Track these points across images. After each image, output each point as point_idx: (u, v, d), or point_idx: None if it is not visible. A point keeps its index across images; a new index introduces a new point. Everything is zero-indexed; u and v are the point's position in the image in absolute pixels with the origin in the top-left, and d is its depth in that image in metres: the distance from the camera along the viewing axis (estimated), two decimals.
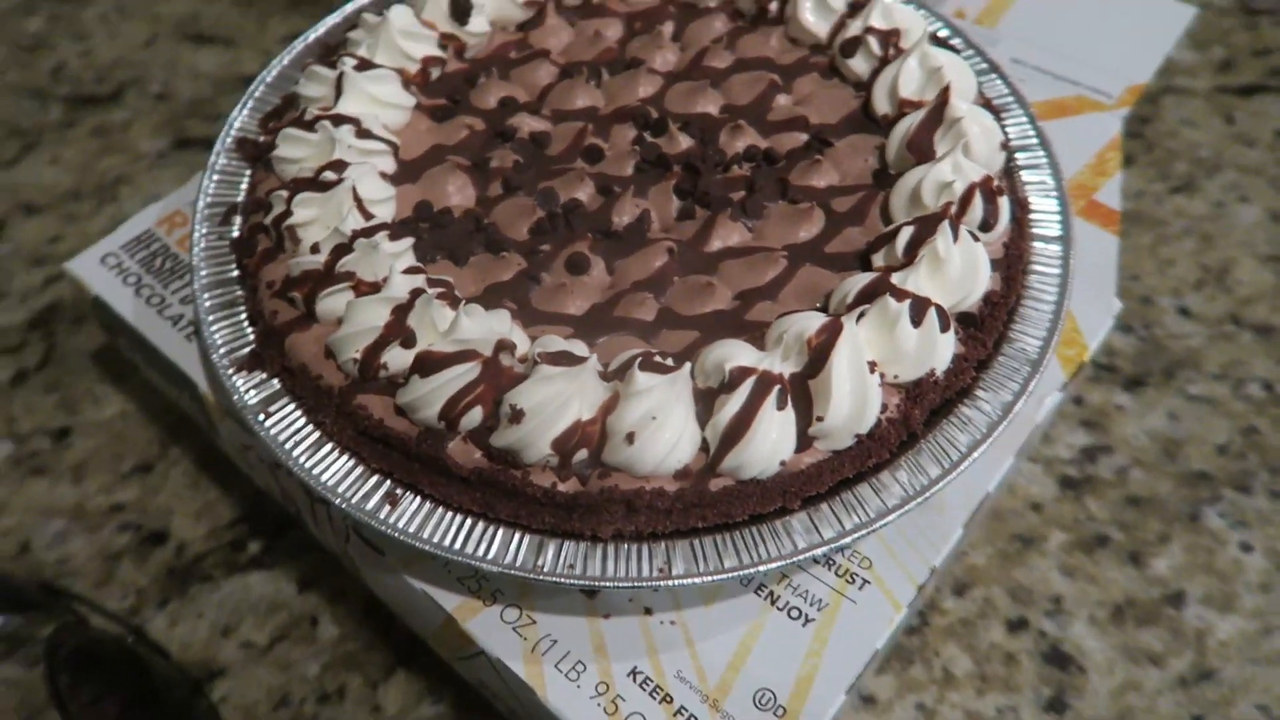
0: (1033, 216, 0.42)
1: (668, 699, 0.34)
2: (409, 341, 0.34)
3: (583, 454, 0.33)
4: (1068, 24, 0.52)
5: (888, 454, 0.35)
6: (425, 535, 0.34)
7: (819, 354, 0.34)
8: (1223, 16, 0.68)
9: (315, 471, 0.35)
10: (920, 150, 0.40)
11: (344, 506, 0.34)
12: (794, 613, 0.36)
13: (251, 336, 0.38)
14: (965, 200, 0.38)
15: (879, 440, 0.35)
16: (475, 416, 0.34)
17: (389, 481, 0.35)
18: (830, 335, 0.34)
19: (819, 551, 0.33)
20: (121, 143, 0.60)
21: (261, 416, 0.36)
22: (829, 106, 0.44)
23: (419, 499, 0.35)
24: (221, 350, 0.38)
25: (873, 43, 0.44)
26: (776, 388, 0.33)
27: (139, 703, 0.39)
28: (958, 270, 0.36)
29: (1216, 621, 0.44)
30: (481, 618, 0.35)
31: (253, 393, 0.37)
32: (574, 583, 0.33)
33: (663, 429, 0.33)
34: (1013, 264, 0.39)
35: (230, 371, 0.37)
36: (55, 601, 0.43)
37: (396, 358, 0.34)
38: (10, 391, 0.52)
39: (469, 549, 0.34)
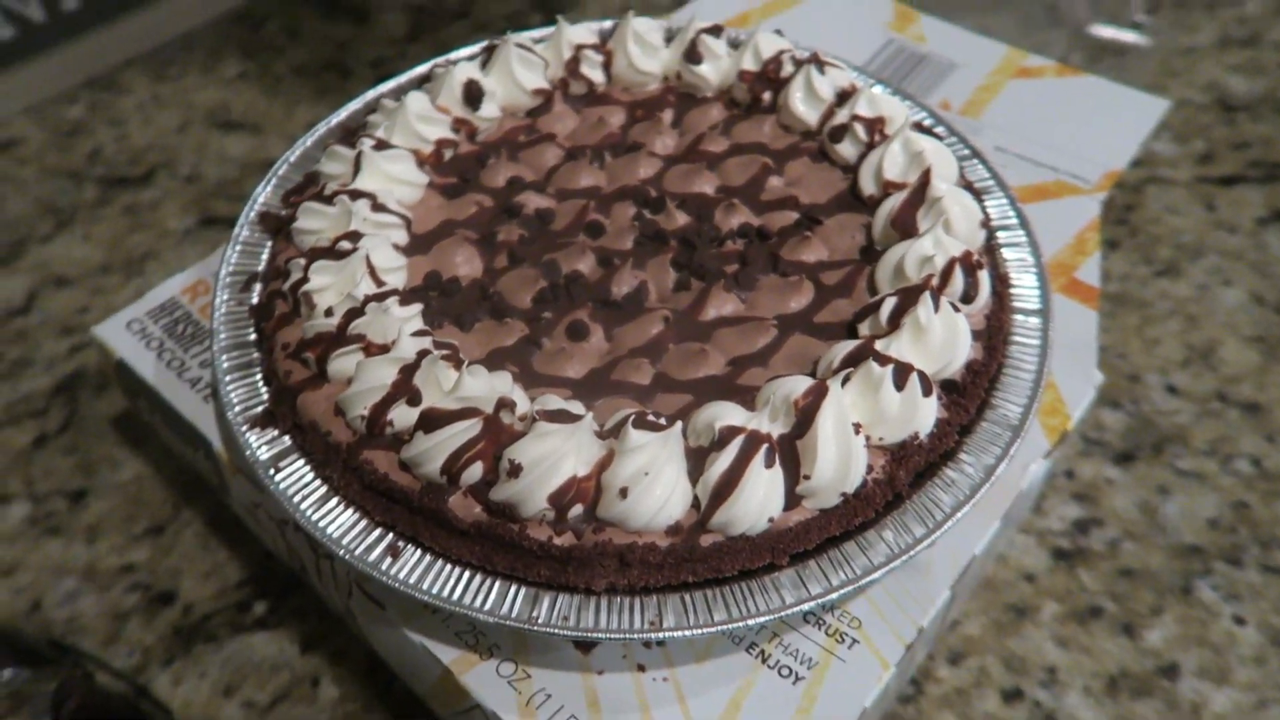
0: (1013, 291, 0.43)
1: None
2: (414, 399, 0.36)
3: (578, 509, 0.35)
4: (1048, 115, 0.54)
5: (874, 513, 0.36)
6: (425, 587, 0.35)
7: (805, 415, 0.35)
8: (1202, 112, 0.71)
9: (321, 524, 0.36)
10: (904, 227, 0.42)
11: (347, 558, 0.36)
12: (784, 671, 0.36)
13: (266, 396, 0.40)
14: (946, 273, 0.40)
15: (865, 500, 0.36)
16: (476, 471, 0.35)
17: (391, 535, 0.36)
18: (816, 397, 0.35)
19: (807, 607, 0.34)
20: (150, 221, 0.63)
21: (272, 471, 0.38)
22: (819, 187, 0.47)
23: (420, 552, 0.36)
24: (237, 409, 0.40)
25: (859, 129, 0.46)
26: (764, 446, 0.34)
27: None
28: (939, 338, 0.38)
29: (1211, 694, 0.44)
30: (477, 671, 0.36)
31: (265, 449, 0.38)
32: (567, 634, 0.34)
33: (655, 485, 0.34)
34: (994, 334, 0.41)
35: (244, 428, 0.39)
36: (63, 657, 0.44)
37: (402, 415, 0.36)
38: (31, 454, 0.53)
39: (466, 600, 0.35)
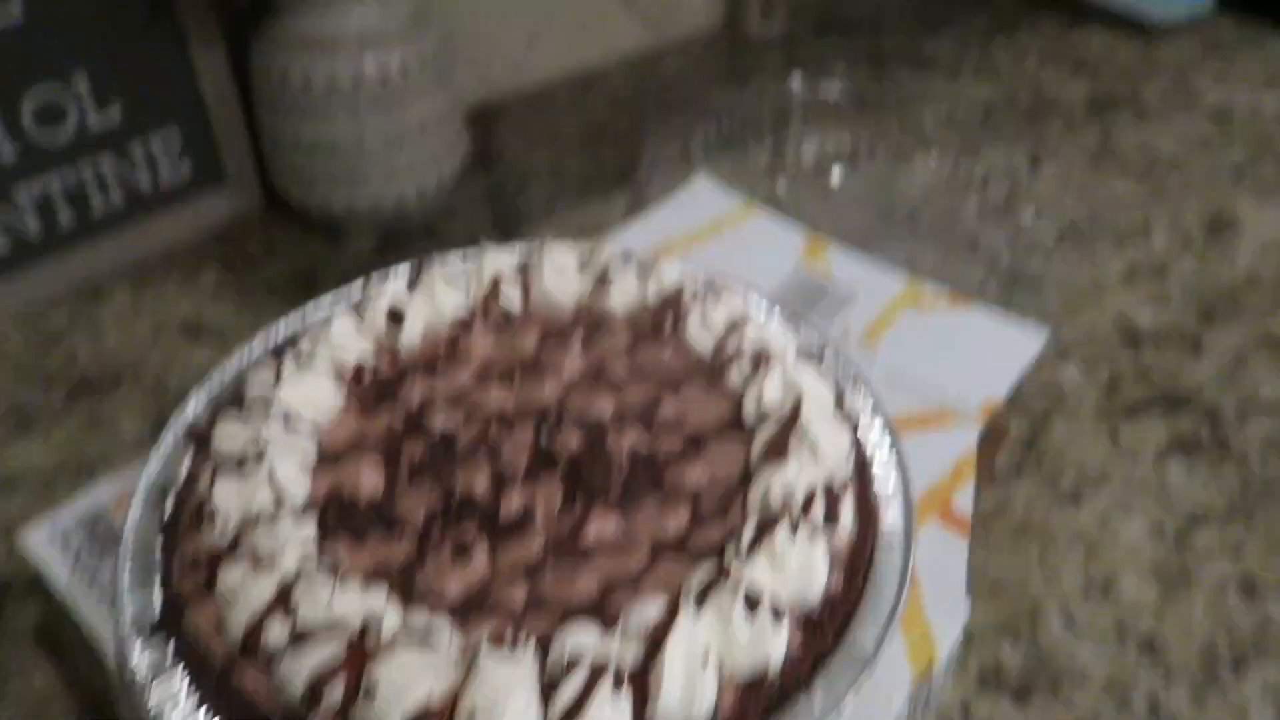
0: (883, 521, 0.46)
1: None
2: (291, 614, 0.38)
3: None
4: (936, 345, 0.58)
5: None
6: None
7: (654, 641, 0.37)
8: (1108, 344, 0.75)
9: None
10: (777, 454, 0.45)
11: None
12: None
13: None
14: (808, 501, 0.43)
15: None
16: (337, 692, 0.36)
17: None
18: (665, 622, 0.37)
19: None
20: (109, 428, 0.67)
21: (151, 681, 0.39)
22: (707, 412, 0.50)
23: None
24: (129, 618, 0.42)
25: (744, 360, 0.50)
26: (611, 672, 0.36)
27: None
28: (795, 566, 0.40)
29: None
30: None
31: (147, 659, 0.40)
32: None
33: (503, 712, 0.35)
34: (855, 565, 0.43)
35: (134, 638, 0.41)
36: None
37: (275, 632, 0.38)
38: None
39: None
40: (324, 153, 0.81)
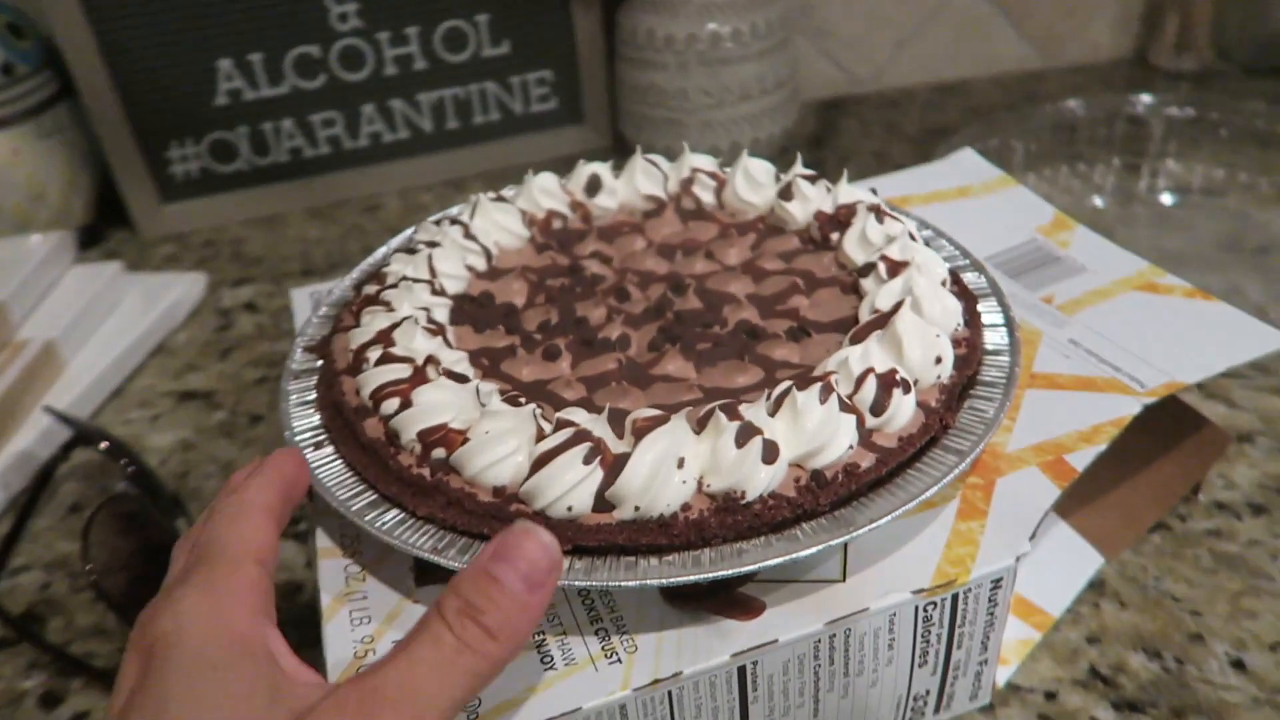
0: (953, 431, 0.43)
1: None
2: (389, 345, 0.46)
3: (440, 451, 0.42)
4: (1143, 325, 0.51)
5: (670, 545, 0.38)
6: (325, 482, 0.44)
7: (638, 435, 0.39)
8: None
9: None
10: (855, 340, 0.44)
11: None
12: (547, 657, 0.39)
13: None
14: (859, 380, 0.42)
15: (665, 528, 0.38)
16: (393, 404, 0.44)
17: (327, 434, 0.46)
18: (653, 422, 0.39)
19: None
20: None
21: (294, 375, 0.50)
22: (830, 311, 0.50)
23: (338, 459, 0.45)
24: (305, 338, 0.53)
25: (881, 268, 0.49)
26: (589, 444, 0.39)
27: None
28: (813, 425, 0.40)
29: None
30: (332, 563, 0.43)
31: (303, 363, 0.51)
32: (376, 533, 0.40)
33: (491, 444, 0.40)
34: (895, 454, 0.41)
35: (299, 350, 0.52)
36: None
37: (374, 354, 0.46)
38: None
39: (351, 503, 0.43)
40: (655, 98, 0.91)
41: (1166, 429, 0.55)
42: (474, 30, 0.95)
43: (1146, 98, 0.87)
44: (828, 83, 1.11)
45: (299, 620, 0.53)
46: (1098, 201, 0.85)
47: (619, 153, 1.00)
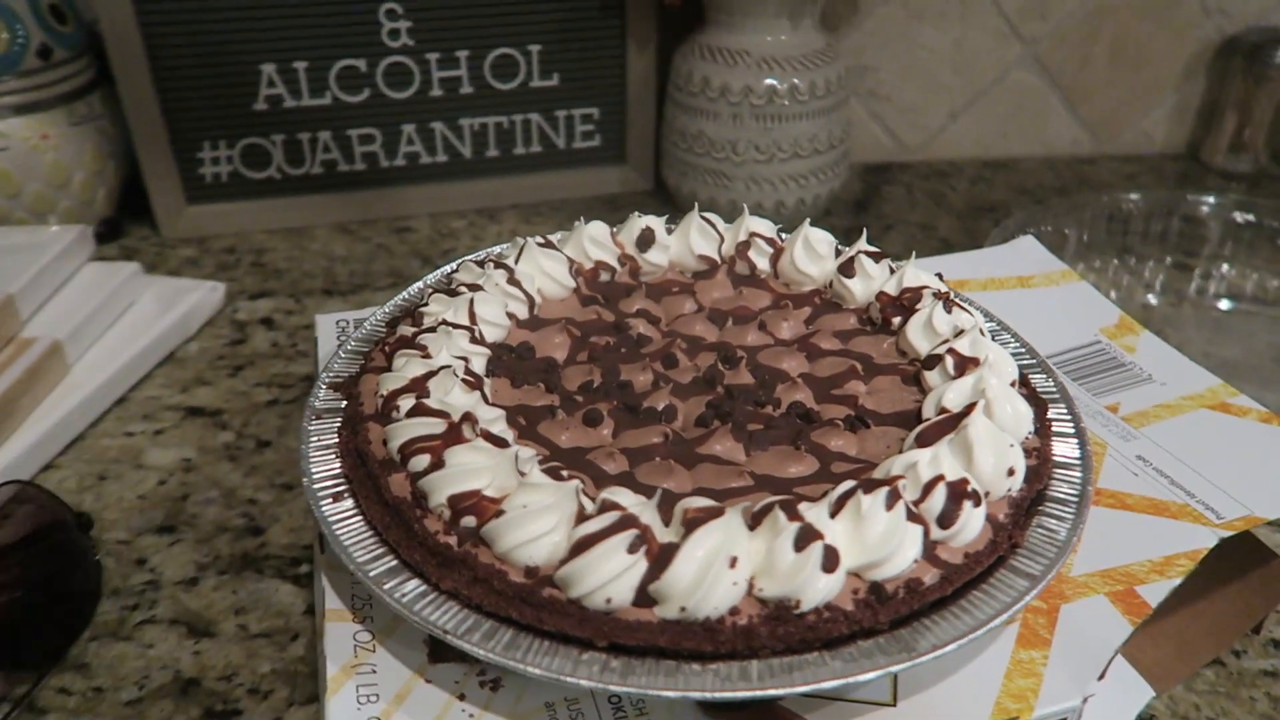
0: (1021, 551, 0.40)
1: None
2: (421, 395, 0.43)
3: (469, 520, 0.39)
4: (1218, 449, 0.49)
5: (715, 652, 0.35)
6: (342, 538, 0.41)
7: (689, 526, 0.36)
8: None
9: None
10: (924, 442, 0.41)
11: (308, 491, 0.43)
12: None
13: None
14: (928, 487, 0.39)
15: (710, 632, 0.35)
16: (422, 461, 0.41)
17: (348, 486, 0.43)
18: (706, 514, 0.36)
19: (575, 681, 0.34)
20: None
21: (315, 414, 0.47)
22: (889, 401, 0.47)
23: (358, 513, 0.42)
24: (330, 374, 0.50)
25: (949, 362, 0.46)
26: (635, 532, 0.36)
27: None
28: (877, 534, 0.37)
29: None
30: (341, 627, 0.40)
31: (326, 402, 0.48)
32: (392, 603, 0.37)
33: (527, 520, 0.37)
34: (962, 572, 0.38)
35: (322, 387, 0.49)
36: None
37: (404, 403, 0.43)
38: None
39: (369, 568, 0.39)
40: (702, 147, 0.89)
41: (1230, 560, 0.52)
42: (525, 60, 0.93)
43: (1208, 198, 0.85)
44: (875, 147, 1.09)
45: (290, 674, 0.49)
46: (1150, 299, 0.82)
47: (659, 198, 0.98)
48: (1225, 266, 0.84)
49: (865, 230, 0.58)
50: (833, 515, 0.37)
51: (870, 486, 0.38)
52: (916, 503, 0.39)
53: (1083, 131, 1.12)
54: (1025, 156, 1.12)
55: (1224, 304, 0.81)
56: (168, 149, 0.88)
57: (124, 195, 0.93)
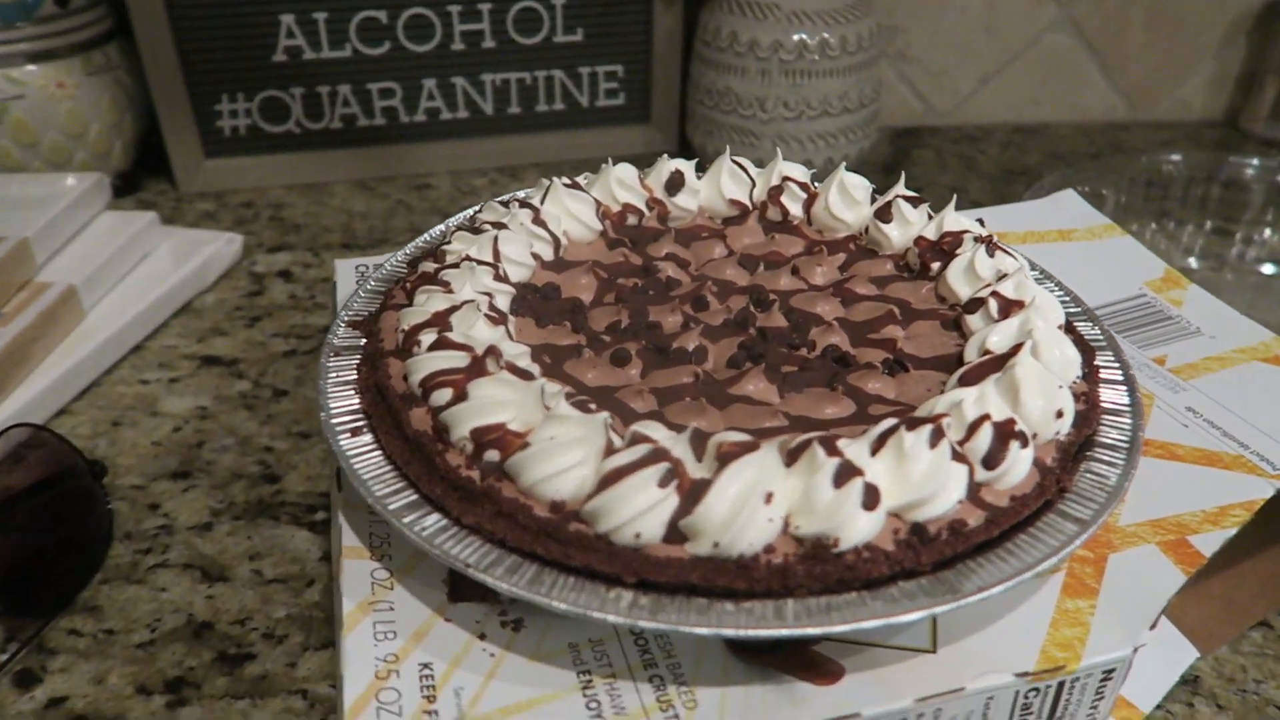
0: (1070, 495, 0.38)
1: (431, 698, 0.34)
2: (444, 328, 0.42)
3: (493, 454, 0.37)
4: (1263, 401, 0.46)
5: (748, 590, 0.34)
6: (359, 472, 0.39)
7: (723, 460, 0.34)
8: None
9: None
10: (967, 382, 0.40)
11: (328, 435, 0.41)
12: (593, 703, 0.34)
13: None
14: (973, 427, 0.37)
15: (744, 569, 0.33)
16: (444, 395, 0.39)
17: (367, 422, 0.42)
18: (741, 448, 0.35)
19: (603, 617, 0.32)
20: None
21: (334, 350, 0.45)
22: (929, 345, 0.45)
23: (376, 446, 0.41)
24: (351, 311, 0.48)
25: (993, 305, 0.45)
26: (666, 465, 0.34)
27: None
28: (920, 472, 0.35)
29: None
30: (358, 564, 0.39)
31: (345, 340, 0.46)
32: (411, 536, 0.36)
33: (555, 453, 0.35)
34: (1007, 515, 0.36)
35: (341, 325, 0.47)
36: None
37: (427, 337, 0.42)
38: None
39: (389, 502, 0.38)
40: (729, 104, 0.87)
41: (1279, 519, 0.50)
42: (549, 14, 0.91)
43: (1252, 160, 0.82)
44: (905, 111, 1.07)
45: (305, 620, 0.48)
46: (1191, 263, 0.80)
47: (684, 158, 0.96)
48: (1268, 232, 0.82)
49: (903, 175, 0.56)
50: (873, 452, 0.36)
51: (913, 424, 0.36)
52: (961, 442, 0.37)
53: (1118, 98, 1.09)
54: (1057, 122, 1.09)
55: (1267, 268, 0.79)
56: (185, 101, 0.86)
57: (141, 149, 0.92)
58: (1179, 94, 1.10)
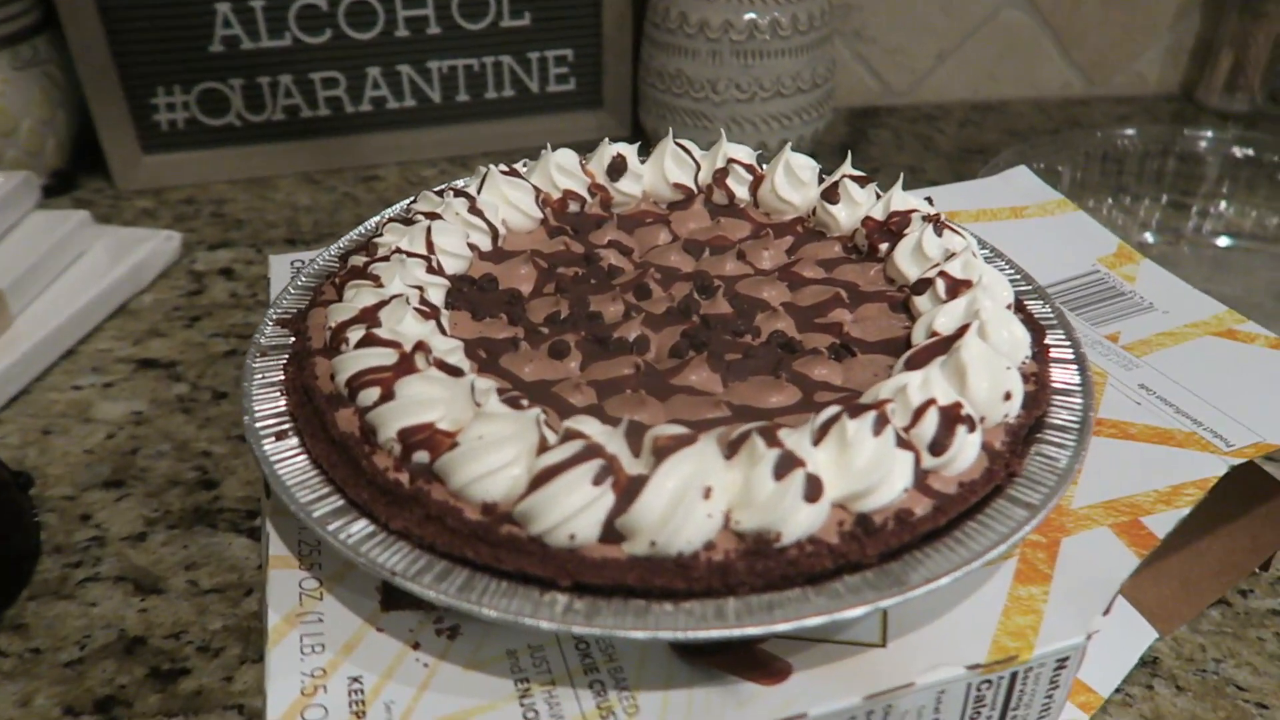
0: (1020, 480, 0.37)
1: (360, 714, 0.32)
2: (372, 325, 0.40)
3: (422, 455, 0.35)
4: (1226, 377, 0.46)
5: (688, 590, 0.32)
6: (282, 477, 0.37)
7: (659, 455, 0.33)
8: None
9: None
10: (913, 365, 0.39)
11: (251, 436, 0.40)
12: (530, 713, 0.32)
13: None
14: (918, 412, 0.36)
15: (683, 569, 0.32)
16: (372, 394, 0.37)
17: (292, 425, 0.40)
18: (678, 441, 0.33)
19: (535, 624, 0.31)
20: None
21: (260, 351, 0.43)
22: (876, 329, 0.44)
23: (302, 450, 0.39)
24: (280, 309, 0.46)
25: (940, 285, 0.43)
26: (600, 462, 0.33)
27: None
28: (864, 461, 0.34)
29: None
30: (285, 574, 0.37)
31: (273, 339, 0.44)
32: (337, 545, 0.34)
33: (485, 452, 0.34)
34: (955, 503, 0.35)
35: (270, 324, 0.45)
36: None
37: (354, 335, 0.40)
38: None
39: (313, 509, 0.36)
40: (681, 87, 0.85)
41: (1236, 494, 0.49)
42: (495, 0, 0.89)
43: (1205, 133, 0.82)
44: (861, 90, 1.06)
45: (243, 631, 0.46)
46: (1147, 238, 0.79)
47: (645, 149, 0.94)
48: (1223, 204, 0.81)
49: (850, 154, 0.54)
50: (815, 442, 0.34)
51: (856, 411, 0.35)
52: (906, 428, 0.36)
53: (1074, 72, 1.09)
54: (1015, 99, 1.08)
55: (1223, 241, 0.78)
56: (120, 94, 0.84)
57: (77, 147, 0.89)
58: (1135, 67, 1.09)
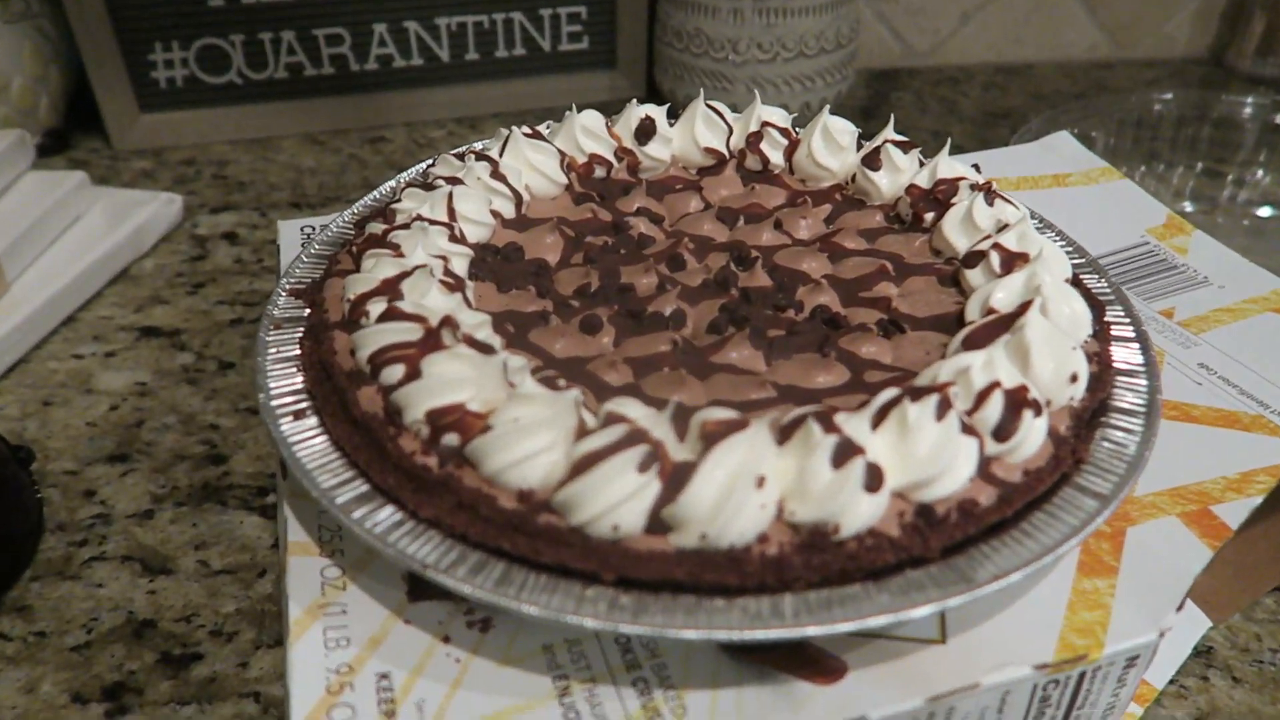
0: (1087, 466, 0.35)
1: (390, 713, 0.30)
2: (394, 297, 0.37)
3: (452, 437, 0.33)
4: (1278, 353, 0.44)
5: (741, 585, 0.30)
6: (303, 461, 0.35)
7: (708, 440, 0.31)
8: None
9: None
10: (972, 346, 0.36)
11: (268, 420, 0.37)
12: (570, 713, 0.30)
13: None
14: (981, 395, 0.33)
15: (736, 562, 0.30)
16: (396, 372, 0.35)
17: (310, 402, 0.37)
18: (728, 427, 0.31)
19: (579, 621, 0.29)
20: None
21: (274, 322, 0.41)
22: (926, 304, 0.42)
23: (321, 429, 0.36)
24: (291, 280, 0.44)
25: (994, 259, 0.41)
26: (645, 448, 0.31)
27: None
28: (926, 447, 0.32)
29: None
30: (305, 560, 0.35)
31: (287, 310, 0.42)
32: (362, 534, 0.32)
33: (521, 436, 0.31)
34: (1021, 492, 0.33)
35: (282, 294, 0.43)
36: None
37: (376, 307, 0.38)
38: None
39: (335, 495, 0.34)
40: (700, 46, 0.82)
41: None
42: None
43: (1245, 99, 0.79)
44: (883, 52, 1.02)
45: (257, 614, 0.44)
46: (1186, 206, 0.77)
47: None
48: (1260, 173, 0.79)
49: (892, 117, 0.52)
50: (874, 427, 0.32)
51: (917, 394, 0.33)
52: (969, 413, 0.33)
53: (1101, 35, 1.05)
54: (1040, 61, 1.05)
55: (1263, 211, 0.76)
56: (116, 50, 0.80)
57: (72, 105, 0.85)
58: (1164, 30, 1.06)
